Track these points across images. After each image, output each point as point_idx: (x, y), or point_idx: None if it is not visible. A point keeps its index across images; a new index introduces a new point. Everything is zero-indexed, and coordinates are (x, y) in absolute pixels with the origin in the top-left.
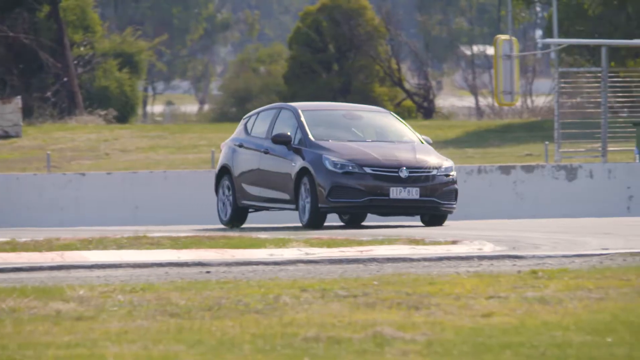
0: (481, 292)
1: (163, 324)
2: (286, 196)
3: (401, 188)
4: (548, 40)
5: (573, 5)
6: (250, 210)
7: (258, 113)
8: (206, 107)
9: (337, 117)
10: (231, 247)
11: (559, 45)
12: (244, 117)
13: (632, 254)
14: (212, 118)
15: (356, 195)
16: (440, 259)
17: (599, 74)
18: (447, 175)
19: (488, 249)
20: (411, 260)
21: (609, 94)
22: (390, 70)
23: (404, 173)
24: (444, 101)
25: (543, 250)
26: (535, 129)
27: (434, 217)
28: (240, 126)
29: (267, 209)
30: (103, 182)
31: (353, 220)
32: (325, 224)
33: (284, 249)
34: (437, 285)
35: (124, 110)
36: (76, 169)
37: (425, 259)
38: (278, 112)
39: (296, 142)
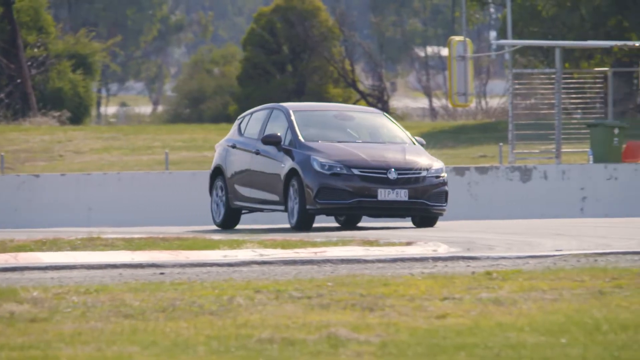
0: (435, 294)
1: (117, 325)
2: (276, 197)
3: (389, 190)
4: (502, 41)
5: (527, 6)
6: (243, 211)
7: (252, 113)
8: (160, 108)
9: (328, 118)
10: (185, 248)
11: (513, 46)
12: (239, 117)
13: (585, 255)
14: (165, 119)
15: (344, 197)
16: (394, 260)
17: (553, 76)
18: (437, 177)
19: (442, 250)
20: (365, 261)
21: (563, 96)
22: (344, 72)
23: (392, 174)
24: (398, 102)
25: (497, 251)
26: (489, 130)
27: (424, 218)
28: (234, 126)
29: (260, 210)
30: (57, 184)
31: (348, 222)
32: (321, 225)
33: (237, 251)
34: (391, 287)
35: (77, 112)
36: (30, 170)
37: (379, 260)
38: (270, 113)
39: (286, 142)
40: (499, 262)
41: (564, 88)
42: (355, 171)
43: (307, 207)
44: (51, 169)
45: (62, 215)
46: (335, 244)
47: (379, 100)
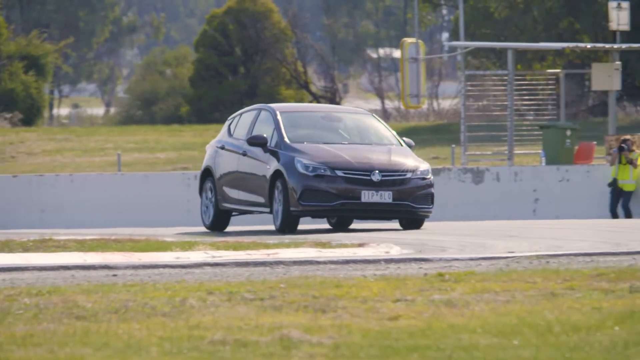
0: (388, 295)
1: (69, 327)
2: (261, 199)
3: (373, 192)
4: (454, 43)
5: (479, 8)
6: (233, 213)
7: (241, 114)
8: (112, 110)
9: (315, 119)
10: (138, 250)
11: (466, 48)
12: (229, 117)
13: (537, 257)
14: (118, 121)
15: (328, 199)
16: (346, 261)
17: (505, 77)
18: (423, 179)
19: (395, 252)
20: (318, 263)
21: (515, 97)
22: (297, 73)
23: (376, 176)
24: (350, 104)
25: (450, 253)
26: (442, 132)
27: (411, 220)
28: (224, 127)
29: (250, 212)
30: (9, 185)
31: (340, 224)
32: (313, 227)
33: (190, 252)
34: (343, 288)
35: (30, 113)
36: None
37: (331, 262)
38: (258, 114)
39: (273, 144)
40: (452, 264)
41: (517, 90)
42: (339, 173)
43: (291, 209)
44: (3, 170)
45: (15, 216)
46: (288, 245)
47: (331, 102)
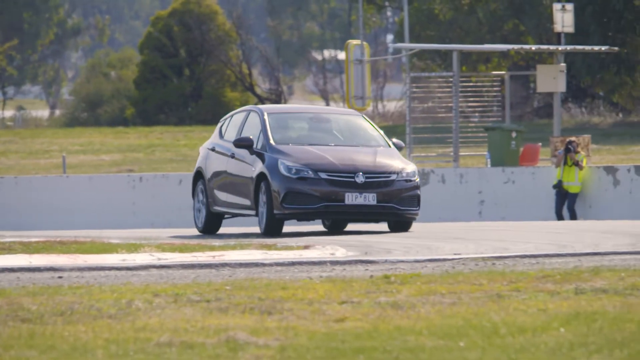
0: (334, 297)
1: (14, 330)
2: (248, 202)
3: (357, 194)
4: (399, 44)
5: (424, 10)
6: (226, 216)
7: (232, 116)
8: (57, 112)
9: (304, 120)
10: (83, 252)
11: (411, 50)
12: (221, 119)
13: (483, 259)
14: (63, 123)
15: (311, 201)
16: (292, 263)
17: (451, 79)
18: (408, 181)
19: (340, 254)
20: (264, 265)
21: (460, 99)
22: (242, 75)
23: (360, 178)
24: None
25: (395, 255)
26: (387, 134)
27: (398, 223)
28: (216, 129)
29: (240, 215)
30: None
31: (335, 227)
32: (308, 229)
33: (136, 254)
34: (289, 290)
35: None
36: None
37: (277, 264)
38: (247, 115)
39: (259, 146)
40: (398, 266)
41: (462, 91)
42: (322, 175)
43: (275, 212)
44: None
45: None
46: (234, 247)
47: (277, 104)
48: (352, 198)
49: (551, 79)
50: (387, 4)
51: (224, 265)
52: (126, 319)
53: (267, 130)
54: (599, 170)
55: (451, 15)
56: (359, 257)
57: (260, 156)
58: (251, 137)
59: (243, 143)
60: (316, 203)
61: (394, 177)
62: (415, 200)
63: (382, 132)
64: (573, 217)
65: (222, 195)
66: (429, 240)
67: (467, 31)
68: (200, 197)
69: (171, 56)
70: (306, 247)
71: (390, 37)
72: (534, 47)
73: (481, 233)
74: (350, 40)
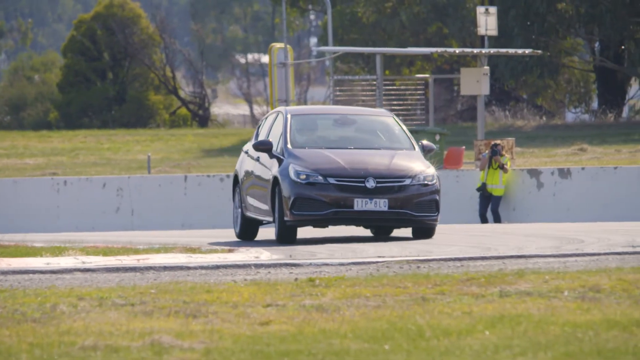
0: (259, 301)
1: None
2: (267, 207)
3: (367, 199)
4: (323, 48)
5: (347, 13)
6: (263, 222)
7: (266, 118)
8: None
9: (328, 122)
10: (7, 255)
11: (334, 53)
12: (260, 120)
13: (408, 262)
14: None
15: (319, 208)
16: (217, 267)
17: (374, 82)
18: (425, 185)
19: (265, 257)
20: (188, 268)
21: (384, 102)
22: (165, 79)
23: (370, 183)
24: (219, 109)
25: (320, 258)
26: None
27: (420, 229)
28: (255, 131)
29: (266, 221)
30: None
31: (381, 232)
32: (353, 234)
33: (60, 258)
34: (214, 294)
35: None
36: None
37: (202, 267)
38: (276, 117)
39: (278, 149)
40: (322, 269)
41: (385, 95)
42: (331, 180)
43: (285, 219)
44: None
45: None
46: (158, 251)
47: (200, 107)
48: (361, 204)
49: (475, 82)
50: (310, 7)
51: (148, 268)
52: (50, 322)
53: (286, 132)
54: (522, 173)
55: (375, 18)
56: (283, 260)
57: (279, 160)
58: (271, 140)
59: (262, 146)
60: (325, 209)
61: (407, 181)
62: (433, 206)
63: (409, 133)
64: (497, 220)
65: (250, 200)
66: (353, 243)
67: (390, 34)
68: (236, 201)
69: (95, 60)
70: (230, 251)
71: (313, 40)
72: (457, 50)
73: (406, 236)
74: (273, 44)
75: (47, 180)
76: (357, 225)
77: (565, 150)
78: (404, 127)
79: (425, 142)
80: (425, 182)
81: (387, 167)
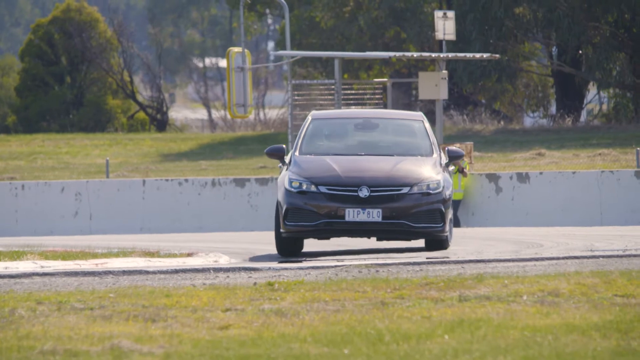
0: (218, 305)
1: None
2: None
3: (359, 209)
4: (280, 52)
5: (305, 17)
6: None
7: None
8: None
9: (347, 127)
10: None
11: (292, 57)
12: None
13: (367, 266)
14: None
15: (311, 218)
16: (176, 271)
17: (332, 86)
18: (427, 194)
19: (224, 261)
20: (147, 272)
21: (342, 106)
22: (123, 83)
23: (363, 192)
24: (177, 113)
25: (279, 262)
26: (269, 141)
27: (433, 241)
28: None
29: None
30: None
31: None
32: (336, 247)
33: (18, 262)
34: (173, 298)
35: None
36: None
37: (161, 272)
38: (305, 122)
39: (289, 156)
40: (281, 273)
41: (344, 99)
42: (323, 189)
43: (281, 230)
44: None
45: None
46: (117, 255)
47: (158, 111)
48: (353, 214)
49: (433, 86)
50: (268, 11)
51: (107, 273)
52: (9, 327)
53: (300, 138)
54: (481, 178)
55: (333, 23)
56: (242, 264)
57: (287, 168)
58: (284, 146)
59: (274, 153)
60: (316, 220)
61: (405, 190)
62: (437, 216)
63: (433, 138)
64: (456, 224)
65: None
66: (311, 247)
67: (348, 39)
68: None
69: (52, 64)
70: (189, 255)
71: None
72: (415, 55)
73: (364, 241)
74: (231, 48)
75: (5, 185)
76: (351, 236)
77: (524, 155)
78: (430, 132)
79: (452, 147)
80: (428, 190)
81: (386, 175)
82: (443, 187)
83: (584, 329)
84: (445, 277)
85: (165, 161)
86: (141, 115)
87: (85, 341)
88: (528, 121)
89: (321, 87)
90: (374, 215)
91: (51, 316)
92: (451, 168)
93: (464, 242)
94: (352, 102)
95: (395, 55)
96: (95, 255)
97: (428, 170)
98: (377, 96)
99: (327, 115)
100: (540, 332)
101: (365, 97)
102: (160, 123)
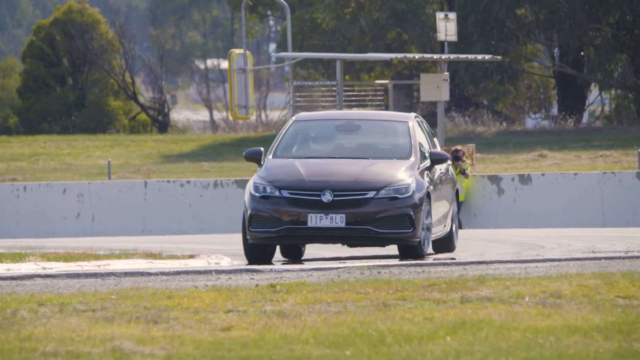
0: (220, 306)
1: None
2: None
3: (322, 215)
4: (282, 54)
5: (307, 19)
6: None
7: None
8: None
9: (328, 129)
10: None
11: (294, 59)
12: None
13: (369, 267)
14: None
15: (273, 224)
16: (178, 273)
17: (334, 88)
18: (394, 199)
19: (226, 262)
20: (149, 274)
21: (344, 108)
22: (125, 84)
23: (326, 197)
24: (179, 115)
25: (280, 263)
26: (270, 143)
27: (404, 248)
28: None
29: None
30: None
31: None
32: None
33: (20, 264)
34: (175, 299)
35: None
36: None
37: (163, 273)
38: (286, 124)
39: (264, 159)
40: (283, 275)
41: (345, 100)
42: (285, 193)
43: (247, 237)
44: None
45: None
46: (119, 257)
47: (160, 113)
48: (316, 220)
49: (435, 88)
50: (269, 13)
51: (109, 274)
52: (11, 328)
53: (277, 141)
54: (483, 179)
55: (334, 24)
56: (244, 266)
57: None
58: (262, 149)
59: (251, 156)
60: (277, 226)
61: (371, 194)
62: (405, 221)
63: (414, 140)
64: (458, 225)
65: None
66: (313, 249)
67: (350, 40)
68: None
69: (54, 65)
70: (191, 257)
71: (273, 46)
72: (417, 56)
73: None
74: (233, 49)
75: (7, 186)
76: (315, 242)
77: (526, 157)
78: (414, 134)
79: (436, 150)
80: (396, 195)
81: (353, 179)
82: (414, 191)
83: (586, 330)
84: (447, 279)
85: (167, 162)
86: (143, 116)
87: (87, 343)
88: (530, 123)
89: (323, 88)
90: (337, 220)
91: (53, 318)
92: (448, 169)
93: (466, 243)
94: (353, 103)
95: (397, 57)
96: (97, 257)
97: (399, 174)
98: (378, 98)
99: (309, 117)
100: (542, 333)
101: (366, 98)
102: (162, 124)
